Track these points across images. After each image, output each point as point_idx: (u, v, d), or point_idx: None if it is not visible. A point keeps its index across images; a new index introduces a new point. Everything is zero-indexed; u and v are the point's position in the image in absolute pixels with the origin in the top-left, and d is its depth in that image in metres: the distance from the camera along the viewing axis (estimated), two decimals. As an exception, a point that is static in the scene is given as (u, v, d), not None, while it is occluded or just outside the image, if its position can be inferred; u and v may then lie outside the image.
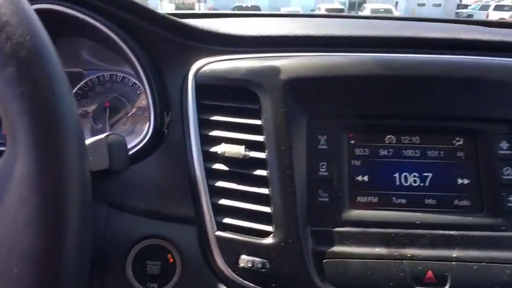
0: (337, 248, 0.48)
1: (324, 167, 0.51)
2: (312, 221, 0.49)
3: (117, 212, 0.55)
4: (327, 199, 0.50)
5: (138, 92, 0.71)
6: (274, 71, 0.52)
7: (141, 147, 0.55)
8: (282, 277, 0.47)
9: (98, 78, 0.72)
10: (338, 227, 0.49)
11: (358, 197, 0.51)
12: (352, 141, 0.52)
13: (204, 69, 0.55)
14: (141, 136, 0.56)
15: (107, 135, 0.42)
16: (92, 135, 0.64)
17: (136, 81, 0.70)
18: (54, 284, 0.25)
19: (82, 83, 0.71)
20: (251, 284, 0.48)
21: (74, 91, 0.71)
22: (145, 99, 0.67)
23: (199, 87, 0.54)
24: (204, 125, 0.53)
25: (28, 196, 0.26)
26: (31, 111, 0.26)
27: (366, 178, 0.52)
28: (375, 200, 0.51)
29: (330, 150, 0.52)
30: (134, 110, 0.70)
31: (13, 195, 0.26)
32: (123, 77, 0.71)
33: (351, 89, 0.52)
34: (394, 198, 0.51)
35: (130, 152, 0.55)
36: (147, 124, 0.56)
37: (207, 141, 0.53)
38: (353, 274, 0.47)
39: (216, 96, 0.54)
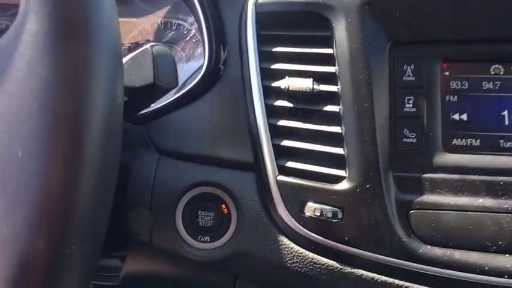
0: (427, 197, 0.39)
1: (410, 102, 0.42)
2: (395, 165, 0.41)
3: (168, 159, 0.50)
4: (414, 140, 0.41)
5: (194, 41, 0.66)
6: (349, -10, 0.44)
7: (195, 86, 0.50)
8: (357, 229, 0.39)
9: (150, 26, 0.68)
10: (428, 172, 0.40)
11: (455, 139, 0.42)
12: (447, 72, 0.43)
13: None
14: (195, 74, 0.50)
15: (152, 46, 0.37)
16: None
17: (192, 28, 0.66)
18: (63, 168, 0.20)
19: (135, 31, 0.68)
20: (318, 237, 0.40)
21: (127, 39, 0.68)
22: (201, 47, 0.61)
23: (260, 15, 0.47)
24: (265, 58, 0.47)
25: (39, 60, 0.20)
26: None
27: (464, 116, 0.42)
28: (477, 143, 0.41)
29: (419, 82, 0.43)
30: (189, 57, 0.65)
31: (21, 62, 0.20)
32: (177, 24, 0.67)
33: (445, 5, 0.42)
34: (502, 141, 0.41)
35: (182, 92, 0.50)
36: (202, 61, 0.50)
37: (268, 75, 0.46)
38: (449, 229, 0.38)
39: (279, 25, 0.47)
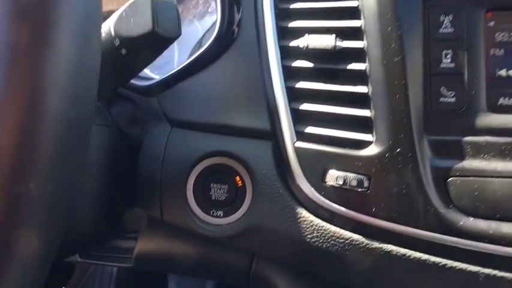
0: (469, 163, 0.34)
1: (448, 57, 0.37)
2: (431, 127, 0.36)
3: (180, 130, 0.47)
4: (452, 99, 0.36)
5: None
6: None
7: (206, 50, 0.46)
8: (386, 199, 0.34)
9: None
10: (470, 135, 0.35)
11: (501, 98, 0.36)
12: (492, 23, 0.37)
13: None
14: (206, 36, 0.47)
15: None
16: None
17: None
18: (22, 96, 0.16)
19: None
20: (341, 208, 0.36)
21: None
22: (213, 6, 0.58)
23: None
24: (283, 15, 0.43)
25: None
26: None
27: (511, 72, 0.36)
28: (528, 102, 0.36)
29: (458, 34, 0.37)
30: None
31: None
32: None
33: None
34: (558, 99, 0.35)
35: (193, 58, 0.47)
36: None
37: (286, 34, 0.42)
38: (495, 198, 0.33)
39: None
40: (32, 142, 0.17)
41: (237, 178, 0.43)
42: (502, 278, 0.32)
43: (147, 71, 0.55)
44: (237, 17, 0.46)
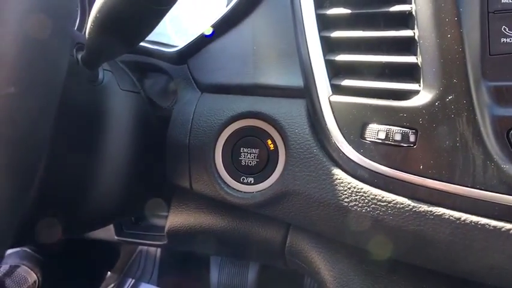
0: (537, 112, 0.29)
1: (511, -10, 0.32)
2: (490, 72, 0.31)
3: (209, 95, 0.45)
4: (517, 39, 0.31)
5: None
6: None
7: (234, 7, 0.44)
8: (437, 155, 0.30)
9: None
10: (539, 79, 0.30)
11: None
12: None
13: None
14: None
15: None
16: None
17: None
18: None
19: None
20: (383, 167, 0.32)
21: None
22: None
23: None
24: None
25: None
26: None
27: None
28: None
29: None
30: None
31: None
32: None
33: None
34: None
35: (223, 14, 0.44)
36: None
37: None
38: None
39: None
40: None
41: (269, 141, 0.40)
42: None
43: (175, 39, 0.53)
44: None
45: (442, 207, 0.30)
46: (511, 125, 0.29)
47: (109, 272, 1.05)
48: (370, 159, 0.32)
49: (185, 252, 1.00)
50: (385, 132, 0.32)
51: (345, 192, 0.34)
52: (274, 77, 0.40)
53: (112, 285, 1.05)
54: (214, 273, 1.01)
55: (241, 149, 0.40)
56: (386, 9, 0.35)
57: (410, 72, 0.33)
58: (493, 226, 0.29)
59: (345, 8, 0.37)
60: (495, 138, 0.29)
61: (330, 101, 0.35)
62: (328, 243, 0.39)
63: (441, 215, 0.30)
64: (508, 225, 0.28)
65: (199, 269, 1.03)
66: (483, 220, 0.29)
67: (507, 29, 0.32)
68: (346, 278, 0.38)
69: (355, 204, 0.33)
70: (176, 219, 0.50)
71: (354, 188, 0.33)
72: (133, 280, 1.06)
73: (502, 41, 0.32)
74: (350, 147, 0.33)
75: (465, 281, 0.32)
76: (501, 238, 0.29)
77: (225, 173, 0.41)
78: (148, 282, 1.05)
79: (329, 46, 0.36)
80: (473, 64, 0.31)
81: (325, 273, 0.39)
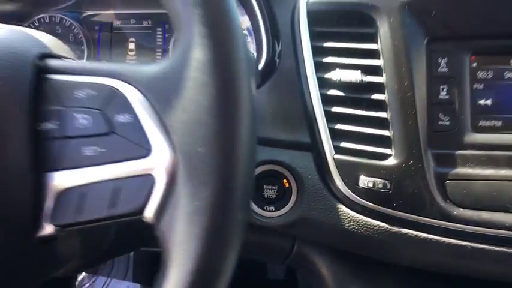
0: (459, 170, 0.50)
1: (444, 90, 0.53)
2: (433, 144, 0.51)
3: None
4: (447, 122, 0.52)
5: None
6: (392, -8, 0.53)
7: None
8: (404, 197, 0.50)
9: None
10: (460, 149, 0.51)
11: (481, 121, 0.52)
12: (474, 64, 0.53)
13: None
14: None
15: None
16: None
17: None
18: (234, 159, 0.30)
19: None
20: (371, 204, 0.51)
21: (173, 30, 0.76)
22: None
23: (311, 13, 0.57)
24: (317, 52, 0.56)
25: (207, 82, 0.30)
26: (207, 1, 0.30)
27: (489, 102, 0.52)
28: (499, 123, 0.52)
29: (451, 73, 0.53)
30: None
31: (192, 83, 0.30)
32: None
33: (474, 7, 0.52)
34: (520, 122, 0.52)
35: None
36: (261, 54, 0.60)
37: (321, 67, 0.56)
38: (477, 195, 0.49)
39: (329, 22, 0.56)
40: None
41: (285, 180, 0.57)
42: (482, 248, 0.49)
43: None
44: (278, 49, 0.60)
45: (406, 228, 0.51)
46: (445, 178, 0.50)
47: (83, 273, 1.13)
48: (362, 199, 0.51)
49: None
50: (372, 182, 0.51)
51: (345, 220, 0.53)
52: (287, 133, 0.57)
53: (87, 285, 1.14)
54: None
55: (264, 186, 0.57)
56: (369, 96, 0.53)
57: (386, 141, 0.52)
58: (435, 240, 0.50)
59: (340, 91, 0.55)
60: (437, 187, 0.50)
61: (333, 158, 0.53)
62: (330, 250, 0.58)
63: (406, 233, 0.51)
64: (443, 239, 0.50)
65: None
66: (429, 236, 0.50)
67: (442, 115, 0.52)
68: (343, 274, 0.58)
69: (352, 227, 0.53)
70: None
71: (352, 216, 0.52)
72: (109, 278, 1.16)
73: (439, 123, 0.52)
74: (349, 190, 0.52)
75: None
76: (439, 246, 0.50)
77: (253, 203, 0.57)
78: (124, 279, 1.16)
79: (330, 117, 0.54)
80: (424, 138, 0.51)
81: (325, 271, 0.59)
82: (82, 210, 0.32)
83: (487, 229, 0.48)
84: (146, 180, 0.31)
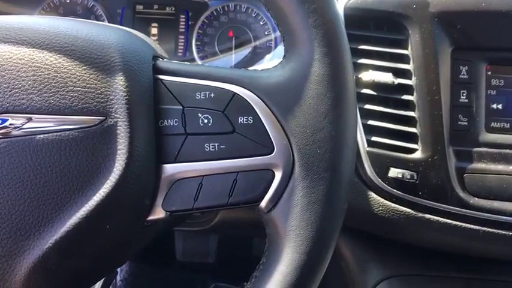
0: (476, 165, 0.58)
1: (464, 94, 0.60)
2: (454, 141, 0.59)
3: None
4: (466, 123, 0.60)
5: (262, 23, 0.79)
6: (423, 4, 0.59)
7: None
8: (428, 187, 0.57)
9: (222, 8, 0.79)
10: (476, 147, 0.59)
11: (493, 123, 0.60)
12: (489, 72, 0.61)
13: (353, 0, 0.62)
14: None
15: None
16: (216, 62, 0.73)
17: (260, 12, 0.78)
18: (345, 159, 0.36)
19: (208, 12, 0.79)
20: (399, 192, 0.58)
21: (200, 19, 0.79)
22: (268, 30, 0.75)
23: (348, 17, 0.62)
24: (353, 53, 0.61)
25: (325, 93, 0.35)
26: (326, 24, 0.35)
27: (500, 106, 0.60)
28: (507, 126, 0.60)
29: (470, 79, 0.60)
30: (257, 40, 0.78)
31: (311, 93, 0.35)
32: (247, 7, 0.79)
33: (493, 23, 0.60)
34: (527, 124, 0.60)
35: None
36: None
37: (355, 68, 0.61)
38: (490, 187, 0.57)
39: (364, 26, 0.62)
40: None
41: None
42: (493, 232, 0.57)
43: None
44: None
45: (429, 214, 0.58)
46: (464, 172, 0.58)
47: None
48: (391, 187, 0.58)
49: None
50: (402, 173, 0.58)
51: (375, 205, 0.60)
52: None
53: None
54: (179, 244, 1.20)
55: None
56: (399, 96, 0.60)
57: (412, 137, 0.59)
58: (453, 224, 0.58)
59: (373, 90, 0.61)
60: (457, 179, 0.58)
61: (366, 151, 0.59)
62: (352, 231, 0.65)
63: (428, 219, 0.58)
64: (460, 223, 0.58)
65: (165, 240, 1.21)
66: (448, 221, 0.58)
67: (461, 116, 0.60)
68: (363, 254, 0.65)
69: (381, 212, 0.59)
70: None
71: (381, 203, 0.59)
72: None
73: (459, 123, 0.60)
74: (379, 179, 0.59)
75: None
76: (457, 230, 0.58)
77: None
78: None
79: (364, 114, 0.60)
80: (446, 136, 0.59)
81: (346, 251, 0.66)
82: (198, 198, 0.36)
83: (498, 216, 0.56)
84: (266, 174, 0.36)
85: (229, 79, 0.37)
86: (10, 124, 0.32)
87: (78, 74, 0.34)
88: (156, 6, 0.81)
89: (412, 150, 0.59)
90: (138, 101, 0.34)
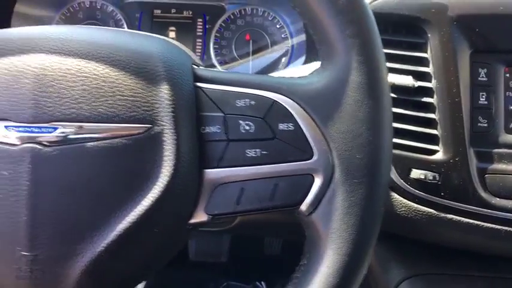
0: (496, 166, 0.59)
1: (483, 96, 0.61)
2: (474, 142, 0.60)
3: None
4: (485, 124, 0.61)
5: (278, 26, 0.80)
6: (442, 8, 0.61)
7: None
8: (450, 188, 0.59)
9: (239, 11, 0.80)
10: (496, 148, 0.60)
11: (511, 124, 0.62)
12: (508, 75, 0.62)
13: (374, 3, 0.63)
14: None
15: None
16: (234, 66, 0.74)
17: (276, 16, 0.79)
18: (383, 164, 0.37)
19: (225, 16, 0.80)
20: (421, 193, 0.60)
21: (217, 23, 0.80)
22: (285, 33, 0.76)
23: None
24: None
25: (363, 100, 0.36)
26: (362, 34, 0.36)
27: (518, 107, 0.62)
28: (527, 127, 0.61)
29: (489, 82, 0.61)
30: (274, 44, 0.79)
31: (350, 100, 0.36)
32: (263, 11, 0.80)
33: (510, 27, 0.61)
34: (545, 126, 0.61)
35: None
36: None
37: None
38: (511, 187, 0.58)
39: (384, 30, 0.63)
40: None
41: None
42: (515, 232, 0.59)
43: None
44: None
45: (451, 214, 0.59)
46: (485, 172, 0.59)
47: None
48: (414, 188, 0.60)
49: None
50: (424, 174, 0.59)
51: (397, 206, 0.61)
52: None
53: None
54: (192, 244, 1.21)
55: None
56: (420, 99, 0.61)
57: (433, 139, 0.60)
58: (476, 224, 0.59)
59: (394, 93, 0.62)
60: (478, 180, 0.59)
61: (389, 153, 0.60)
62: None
63: (451, 218, 0.59)
64: (482, 223, 0.59)
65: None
66: (471, 220, 0.59)
67: (481, 118, 0.61)
68: (384, 252, 0.66)
69: (403, 213, 0.61)
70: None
71: (404, 203, 0.60)
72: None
73: (479, 125, 0.61)
74: (401, 181, 0.60)
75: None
76: (479, 229, 0.59)
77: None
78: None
79: (384, 116, 0.62)
80: (467, 138, 0.60)
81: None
82: (240, 202, 0.37)
83: (519, 215, 0.58)
84: (306, 179, 0.37)
85: (268, 87, 0.38)
86: (61, 132, 0.33)
87: (125, 83, 0.35)
88: (173, 11, 0.83)
89: (434, 152, 0.60)
90: (181, 109, 0.35)
